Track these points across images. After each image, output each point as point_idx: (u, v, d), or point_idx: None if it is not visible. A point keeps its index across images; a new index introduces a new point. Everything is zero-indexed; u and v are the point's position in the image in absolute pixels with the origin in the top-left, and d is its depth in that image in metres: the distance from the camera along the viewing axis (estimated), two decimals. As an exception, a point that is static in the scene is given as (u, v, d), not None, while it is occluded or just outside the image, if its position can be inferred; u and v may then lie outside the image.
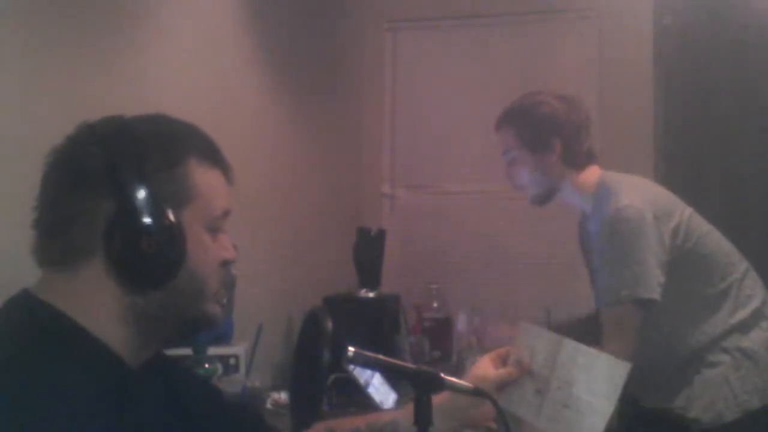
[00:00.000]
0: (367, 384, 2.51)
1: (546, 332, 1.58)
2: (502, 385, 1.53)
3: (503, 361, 1.57)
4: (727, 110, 3.56)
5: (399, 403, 2.50)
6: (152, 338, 1.15)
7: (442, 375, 1.30)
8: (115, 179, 1.07)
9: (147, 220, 1.06)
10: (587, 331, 2.05)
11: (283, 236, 3.18)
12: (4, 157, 1.82)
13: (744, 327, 2.19)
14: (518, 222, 3.65)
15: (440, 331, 3.55)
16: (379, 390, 2.54)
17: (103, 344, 1.08)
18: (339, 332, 2.15)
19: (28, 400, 0.96)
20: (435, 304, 3.62)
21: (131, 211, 1.06)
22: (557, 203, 2.38)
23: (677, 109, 3.64)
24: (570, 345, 1.53)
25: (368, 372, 2.48)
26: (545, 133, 2.27)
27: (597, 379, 1.49)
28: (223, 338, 2.46)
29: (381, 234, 3.41)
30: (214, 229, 1.16)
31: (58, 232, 1.08)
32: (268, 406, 2.54)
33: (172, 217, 1.09)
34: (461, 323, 3.34)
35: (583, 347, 1.54)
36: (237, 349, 2.47)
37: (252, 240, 2.75)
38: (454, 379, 1.33)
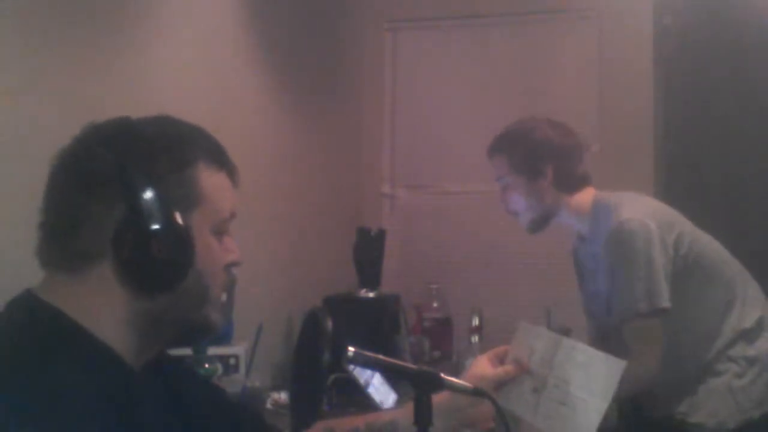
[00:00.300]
0: (367, 384, 2.51)
1: (545, 331, 1.60)
2: (500, 384, 1.54)
3: (501, 361, 1.58)
4: (727, 110, 3.56)
5: (399, 403, 2.49)
6: (154, 341, 1.15)
7: (442, 375, 1.30)
8: (124, 182, 1.06)
9: (156, 223, 1.06)
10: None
11: (283, 236, 3.18)
12: (5, 157, 1.82)
13: (749, 335, 2.19)
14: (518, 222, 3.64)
15: (440, 331, 3.56)
16: (379, 390, 2.54)
17: (104, 345, 1.08)
18: (339, 332, 2.15)
19: (30, 401, 0.96)
20: (435, 304, 3.62)
21: (140, 214, 1.06)
22: (553, 226, 2.38)
23: (677, 109, 3.64)
24: (568, 344, 1.55)
25: (368, 372, 2.48)
26: (537, 159, 2.28)
27: (594, 377, 1.51)
28: (223, 338, 2.46)
29: (381, 234, 3.41)
30: (220, 232, 1.16)
31: (64, 234, 1.08)
32: (268, 406, 2.54)
33: (181, 220, 1.08)
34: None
35: (581, 345, 1.56)
36: (237, 349, 2.48)
37: (252, 240, 2.75)
38: (454, 379, 1.33)
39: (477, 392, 1.37)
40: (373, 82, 4.01)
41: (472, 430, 1.54)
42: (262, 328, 2.46)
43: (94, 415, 0.98)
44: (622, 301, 2.15)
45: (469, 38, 3.93)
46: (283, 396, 2.56)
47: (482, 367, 1.55)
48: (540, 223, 2.35)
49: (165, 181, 1.08)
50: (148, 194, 1.06)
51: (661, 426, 2.22)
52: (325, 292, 3.18)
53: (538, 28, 3.84)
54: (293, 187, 3.29)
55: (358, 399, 2.50)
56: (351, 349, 1.28)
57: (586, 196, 2.29)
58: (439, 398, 1.33)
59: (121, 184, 1.06)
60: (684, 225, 2.23)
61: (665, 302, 2.10)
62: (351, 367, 2.27)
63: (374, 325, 3.12)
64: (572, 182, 2.30)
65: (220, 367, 2.37)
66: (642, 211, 2.18)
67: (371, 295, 3.27)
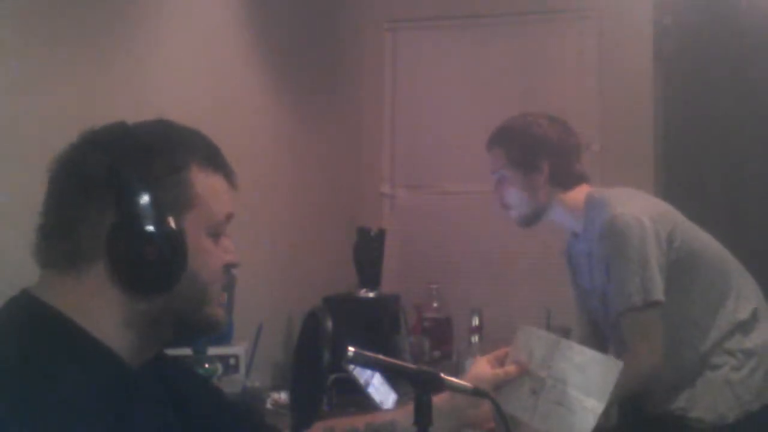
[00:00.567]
0: (367, 384, 2.51)
1: (544, 333, 1.60)
2: (499, 385, 1.54)
3: (501, 363, 1.58)
4: (727, 110, 3.56)
5: (399, 403, 2.50)
6: (153, 340, 1.16)
7: (442, 375, 1.30)
8: (118, 185, 1.08)
9: (148, 226, 1.08)
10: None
11: (283, 236, 3.18)
12: (4, 157, 1.82)
13: (745, 328, 2.20)
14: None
15: (440, 331, 3.55)
16: (379, 390, 2.54)
17: (103, 345, 1.08)
18: (339, 332, 2.15)
19: (28, 400, 0.97)
20: (435, 304, 3.62)
21: (132, 217, 1.08)
22: (553, 226, 2.38)
23: (677, 109, 3.64)
24: (566, 345, 1.55)
25: (368, 372, 2.48)
26: (534, 154, 2.28)
27: (591, 378, 1.51)
28: (223, 338, 2.46)
29: (381, 234, 3.41)
30: (216, 234, 1.17)
31: (61, 235, 1.10)
32: (268, 406, 2.54)
33: (173, 223, 1.10)
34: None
35: (579, 347, 1.56)
36: (237, 349, 2.48)
37: (252, 240, 2.75)
38: (454, 379, 1.34)
39: (477, 392, 1.37)
40: (373, 82, 4.01)
41: (472, 431, 1.54)
42: (262, 328, 2.47)
43: (92, 415, 0.99)
44: (616, 296, 2.15)
45: (469, 38, 3.93)
46: (283, 396, 2.56)
47: (482, 368, 1.56)
48: (531, 218, 2.35)
49: (159, 184, 1.10)
50: (141, 197, 1.08)
51: (661, 422, 2.22)
52: (325, 292, 3.18)
53: (538, 28, 3.84)
54: (293, 187, 3.29)
55: (358, 399, 2.50)
56: (351, 349, 1.28)
57: (580, 194, 2.29)
58: (439, 398, 1.33)
59: (114, 188, 1.08)
60: (677, 218, 2.23)
61: (659, 295, 2.09)
62: (351, 367, 2.27)
63: (374, 325, 3.12)
64: (568, 180, 2.30)
65: (220, 367, 2.37)
66: (635, 205, 2.18)
67: (371, 295, 3.27)
